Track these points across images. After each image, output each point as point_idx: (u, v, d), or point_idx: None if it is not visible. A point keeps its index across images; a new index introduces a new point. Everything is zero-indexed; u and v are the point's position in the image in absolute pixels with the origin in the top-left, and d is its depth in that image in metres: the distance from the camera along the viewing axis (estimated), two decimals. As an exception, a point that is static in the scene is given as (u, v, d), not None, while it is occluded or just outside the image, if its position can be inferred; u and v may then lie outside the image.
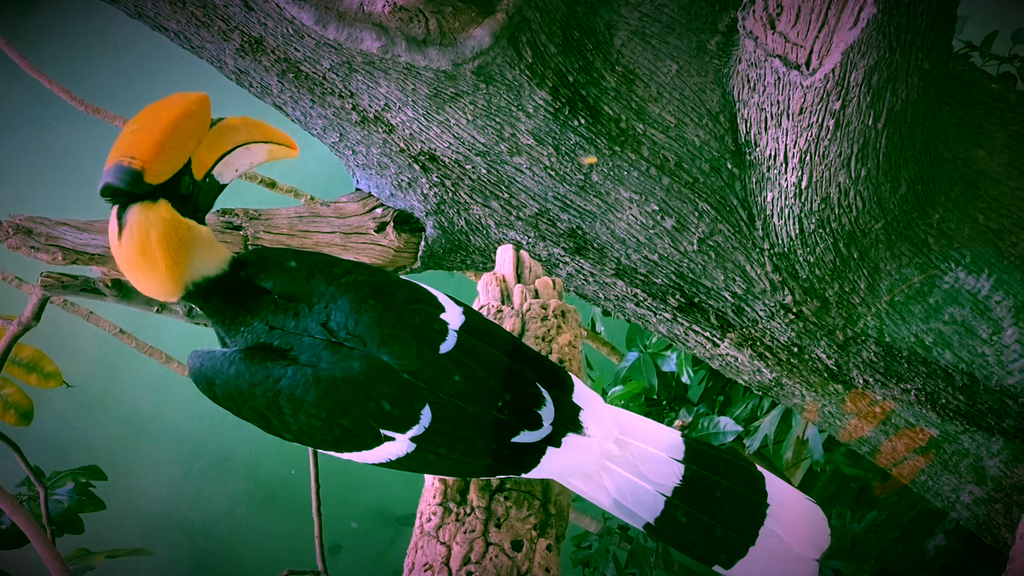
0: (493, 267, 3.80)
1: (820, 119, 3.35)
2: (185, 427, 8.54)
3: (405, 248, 4.04)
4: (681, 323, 4.02)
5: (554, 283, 2.93)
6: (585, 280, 4.00)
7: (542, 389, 2.22)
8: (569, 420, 2.23)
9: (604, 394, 5.67)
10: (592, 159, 3.71)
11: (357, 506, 8.39)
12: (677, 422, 5.06)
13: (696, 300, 3.92)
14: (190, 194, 2.11)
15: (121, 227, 2.05)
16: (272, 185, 5.92)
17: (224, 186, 2.23)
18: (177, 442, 8.61)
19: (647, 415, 5.61)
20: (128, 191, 2.01)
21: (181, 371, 5.95)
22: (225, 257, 2.20)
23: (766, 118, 3.51)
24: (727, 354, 4.07)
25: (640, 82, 3.68)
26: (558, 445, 2.20)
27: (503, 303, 2.86)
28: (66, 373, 5.80)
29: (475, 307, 2.77)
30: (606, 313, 4.43)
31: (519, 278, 2.99)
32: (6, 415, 5.73)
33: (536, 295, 2.87)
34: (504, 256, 3.08)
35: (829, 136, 3.39)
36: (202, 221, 2.16)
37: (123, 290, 3.87)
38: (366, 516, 8.53)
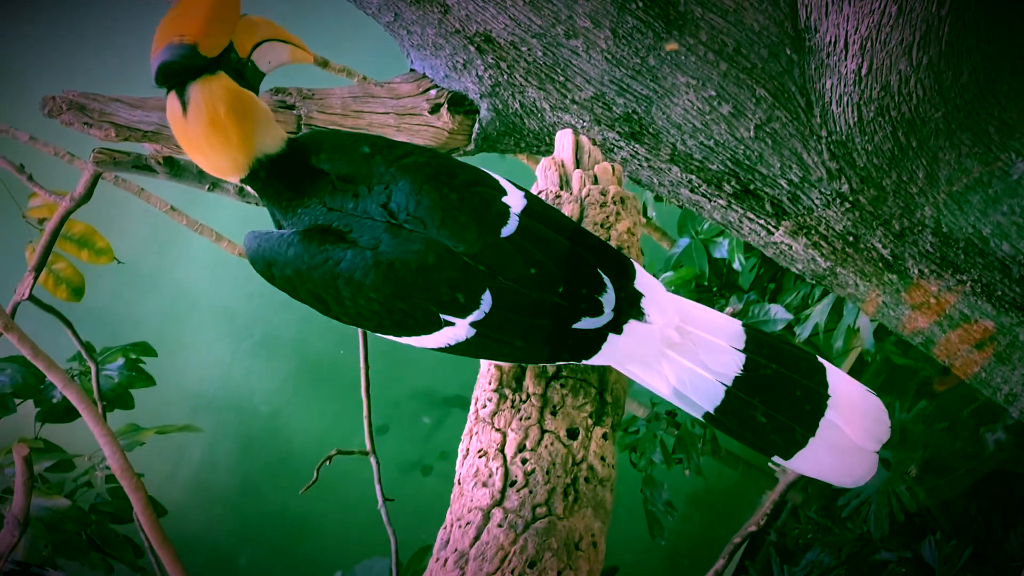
0: (546, 151, 3.78)
1: (882, 5, 3.31)
2: (234, 305, 8.58)
3: (459, 130, 4.02)
4: (736, 210, 4.00)
5: (613, 169, 2.90)
6: (640, 165, 3.98)
7: (603, 275, 2.22)
8: (631, 307, 2.23)
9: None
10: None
11: (404, 386, 8.44)
12: (728, 308, 5.07)
13: (751, 187, 3.90)
14: (240, 70, 2.16)
15: (185, 104, 2.06)
16: (325, 64, 5.89)
17: (263, 74, 2.26)
18: (226, 320, 8.65)
19: (697, 301, 5.63)
20: (185, 65, 2.03)
21: (231, 249, 5.97)
22: (282, 136, 2.22)
23: (827, 3, 3.46)
24: (781, 242, 4.05)
25: (699, -36, 3.64)
26: (619, 332, 2.21)
27: (562, 188, 2.84)
28: (117, 249, 5.84)
29: (533, 192, 2.76)
30: (658, 199, 4.42)
31: (578, 163, 2.97)
32: (58, 290, 5.78)
33: (595, 181, 2.86)
34: (563, 141, 3.05)
35: (891, 23, 3.34)
36: None
37: (174, 167, 3.87)
38: (413, 396, 8.58)
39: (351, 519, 6.94)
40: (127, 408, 5.83)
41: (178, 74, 2.05)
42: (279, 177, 2.23)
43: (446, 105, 3.99)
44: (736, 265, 5.61)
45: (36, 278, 4.67)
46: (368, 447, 5.18)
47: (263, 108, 2.16)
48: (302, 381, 8.74)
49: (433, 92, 4.03)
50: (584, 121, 3.88)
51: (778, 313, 5.34)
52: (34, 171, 5.26)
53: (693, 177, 3.93)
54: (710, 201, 4.01)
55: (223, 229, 5.99)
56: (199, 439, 7.91)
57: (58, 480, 5.77)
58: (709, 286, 5.85)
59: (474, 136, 4.05)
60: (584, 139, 3.06)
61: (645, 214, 6.20)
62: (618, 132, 3.87)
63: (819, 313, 5.39)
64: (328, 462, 5.20)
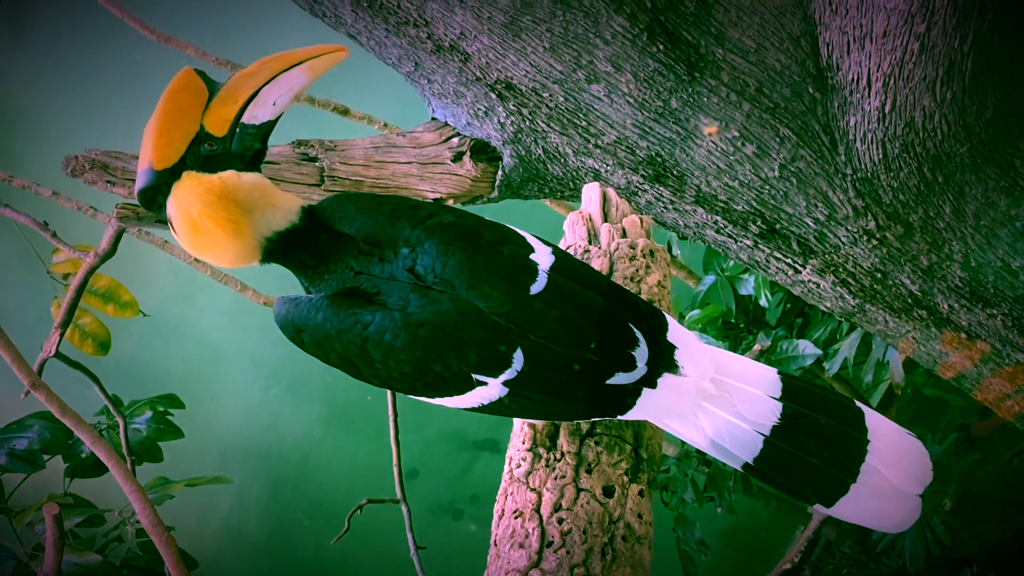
0: (570, 196, 3.77)
1: (904, 42, 3.30)
2: (260, 353, 8.60)
3: (482, 177, 4.02)
4: (762, 250, 3.99)
5: (642, 221, 2.90)
6: (664, 208, 3.97)
7: (635, 329, 2.21)
8: (664, 360, 2.23)
9: (681, 318, 5.65)
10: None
11: (433, 429, 8.45)
12: (756, 346, 5.04)
13: (777, 226, 3.89)
14: (216, 152, 2.17)
15: (169, 222, 2.15)
16: (345, 112, 5.90)
17: (268, 124, 2.25)
18: (253, 368, 8.67)
19: (725, 339, 5.61)
20: (151, 186, 2.11)
21: (255, 299, 5.96)
22: (294, 208, 2.24)
23: (848, 41, 3.46)
24: (809, 280, 4.04)
25: (719, 6, 3.62)
26: (654, 386, 2.20)
27: (590, 243, 2.84)
28: (142, 302, 5.85)
29: (561, 247, 2.75)
30: (682, 237, 4.40)
31: (606, 217, 2.96)
32: (84, 345, 5.78)
33: (624, 234, 2.85)
34: (590, 194, 3.05)
35: (914, 59, 3.33)
36: (252, 168, 2.23)
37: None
38: (442, 440, 8.58)
39: (383, 566, 6.94)
40: (156, 461, 5.82)
41: (150, 200, 2.14)
42: (300, 248, 2.25)
43: (469, 153, 3.99)
44: (763, 301, 5.59)
45: (62, 335, 4.67)
46: (399, 495, 5.17)
47: (243, 183, 2.18)
48: (330, 427, 8.76)
49: (455, 140, 4.03)
50: (607, 165, 3.87)
51: (806, 349, 5.32)
52: (57, 226, 5.27)
53: (718, 218, 3.91)
54: (736, 241, 4.00)
55: (247, 279, 5.99)
56: (229, 488, 7.92)
57: (89, 535, 5.76)
58: (736, 323, 5.82)
59: (497, 183, 4.04)
60: (611, 192, 3.06)
61: (669, 251, 6.17)
62: (642, 175, 3.86)
63: (848, 347, 5.37)
64: (359, 511, 5.19)
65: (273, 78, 2.22)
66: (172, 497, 5.67)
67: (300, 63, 2.25)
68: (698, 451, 6.06)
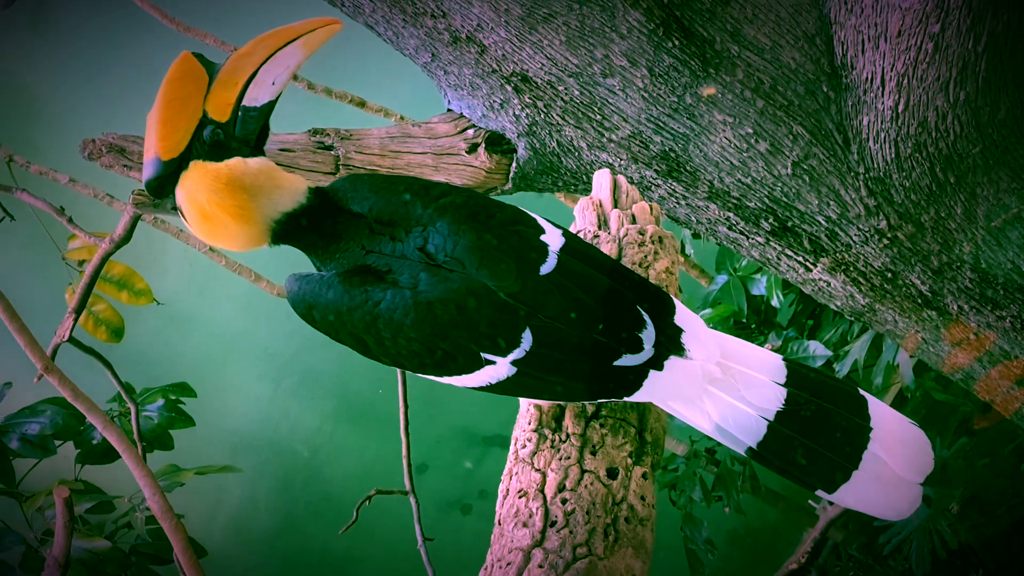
0: (584, 189, 3.77)
1: (919, 42, 3.31)
2: (273, 345, 8.61)
3: (496, 169, 4.02)
4: (774, 247, 3.99)
5: (651, 208, 2.90)
6: (677, 203, 3.98)
7: (643, 312, 2.21)
8: (671, 343, 2.23)
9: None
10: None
11: (443, 425, 8.45)
12: (767, 346, 5.04)
13: (789, 224, 3.89)
14: (220, 139, 2.18)
15: (180, 211, 2.18)
16: (362, 104, 5.91)
17: (269, 104, 2.27)
18: (266, 360, 8.68)
19: (736, 338, 5.62)
20: (159, 177, 2.13)
21: (270, 289, 5.98)
22: (301, 189, 2.25)
23: (863, 40, 3.47)
24: (820, 279, 4.04)
25: (735, 3, 3.63)
26: (660, 368, 2.20)
27: (600, 228, 2.84)
28: (156, 290, 5.87)
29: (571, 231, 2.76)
30: (695, 236, 4.41)
31: (616, 203, 2.97)
32: (98, 332, 5.80)
33: (633, 220, 2.85)
34: (601, 180, 3.05)
35: (928, 59, 3.34)
36: (257, 152, 2.25)
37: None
38: (452, 435, 8.58)
39: (391, 558, 6.95)
40: (167, 449, 5.84)
41: (158, 189, 2.15)
42: (310, 228, 2.26)
43: (483, 144, 4.00)
44: (774, 302, 5.59)
45: (76, 320, 4.69)
46: (408, 486, 5.18)
47: (249, 169, 2.19)
48: (341, 420, 8.76)
49: (471, 132, 4.03)
50: (621, 159, 3.88)
51: (817, 350, 5.32)
52: (74, 213, 5.28)
53: (731, 214, 3.92)
54: (748, 238, 4.01)
55: (262, 269, 6.01)
56: (239, 479, 7.93)
57: (98, 521, 5.79)
58: (747, 323, 5.83)
59: (512, 175, 4.05)
60: (621, 179, 3.06)
61: (683, 251, 6.18)
62: (655, 170, 3.87)
63: (858, 349, 5.37)
64: (368, 502, 5.21)
65: (270, 56, 2.24)
66: (182, 484, 5.69)
67: (295, 39, 2.27)
68: (707, 450, 6.07)
